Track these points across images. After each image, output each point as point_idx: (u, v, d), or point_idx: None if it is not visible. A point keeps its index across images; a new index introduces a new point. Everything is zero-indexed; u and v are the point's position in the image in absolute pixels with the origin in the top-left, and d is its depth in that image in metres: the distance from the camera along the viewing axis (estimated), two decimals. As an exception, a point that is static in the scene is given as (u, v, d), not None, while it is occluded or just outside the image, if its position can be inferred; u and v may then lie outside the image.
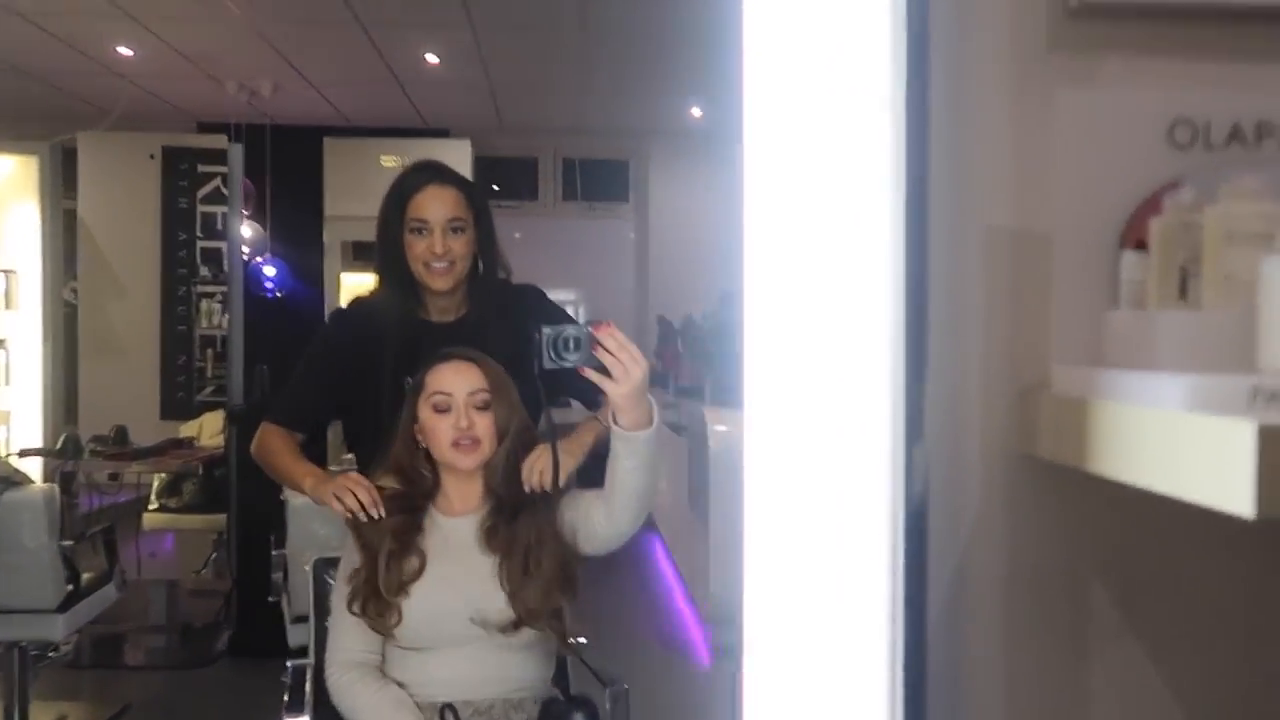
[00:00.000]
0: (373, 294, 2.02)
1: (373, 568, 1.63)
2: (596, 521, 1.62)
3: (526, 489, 1.65)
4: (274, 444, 1.92)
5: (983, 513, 0.70)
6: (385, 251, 1.92)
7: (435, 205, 1.87)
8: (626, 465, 1.52)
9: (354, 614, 1.63)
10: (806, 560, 0.63)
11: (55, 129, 5.28)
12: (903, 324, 0.60)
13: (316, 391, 1.99)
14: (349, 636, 1.66)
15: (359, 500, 1.67)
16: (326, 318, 2.18)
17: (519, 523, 1.64)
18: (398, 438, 1.72)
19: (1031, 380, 0.70)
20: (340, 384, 1.96)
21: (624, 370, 1.42)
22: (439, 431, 1.66)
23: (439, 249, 1.86)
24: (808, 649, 0.63)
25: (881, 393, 0.60)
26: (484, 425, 1.65)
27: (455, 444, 1.65)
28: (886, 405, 0.60)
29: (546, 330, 1.42)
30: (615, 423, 1.48)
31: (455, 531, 1.67)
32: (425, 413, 1.67)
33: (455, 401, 1.65)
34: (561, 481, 1.65)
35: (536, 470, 1.65)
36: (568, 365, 1.42)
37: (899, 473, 0.61)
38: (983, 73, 0.67)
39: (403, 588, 1.61)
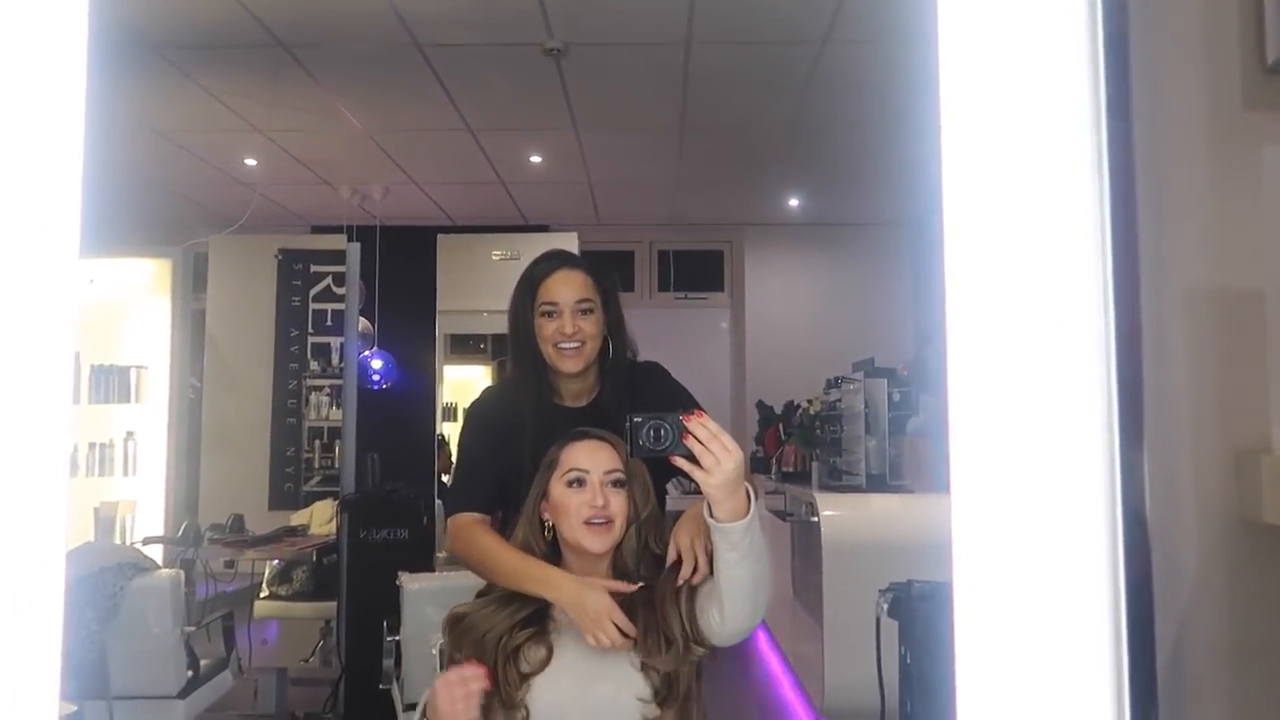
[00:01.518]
0: (503, 382, 2.05)
1: (492, 662, 1.57)
2: (712, 619, 1.56)
3: (680, 583, 1.61)
4: (482, 540, 1.83)
5: (1201, 581, 0.67)
6: (517, 338, 1.96)
7: (564, 288, 1.92)
8: (728, 558, 1.46)
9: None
10: (1023, 640, 0.60)
11: (181, 235, 5.64)
12: (1116, 391, 0.59)
13: (487, 469, 1.96)
14: None
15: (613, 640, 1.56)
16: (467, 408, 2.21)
17: (651, 607, 1.60)
18: (523, 518, 1.71)
19: (1248, 443, 0.67)
20: (490, 471, 1.95)
21: (715, 460, 1.38)
22: (571, 509, 1.63)
23: (569, 329, 1.89)
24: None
25: (1099, 464, 0.58)
26: (618, 505, 1.63)
27: (588, 522, 1.62)
28: (1104, 476, 0.58)
29: (636, 418, 1.41)
30: (710, 515, 1.43)
31: None
32: (558, 490, 1.66)
33: (591, 479, 1.64)
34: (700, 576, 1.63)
35: (688, 571, 1.61)
36: (657, 454, 1.40)
37: (1118, 544, 0.59)
38: (1177, 134, 0.67)
39: (525, 680, 1.57)
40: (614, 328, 1.98)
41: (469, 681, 1.48)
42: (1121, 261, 0.61)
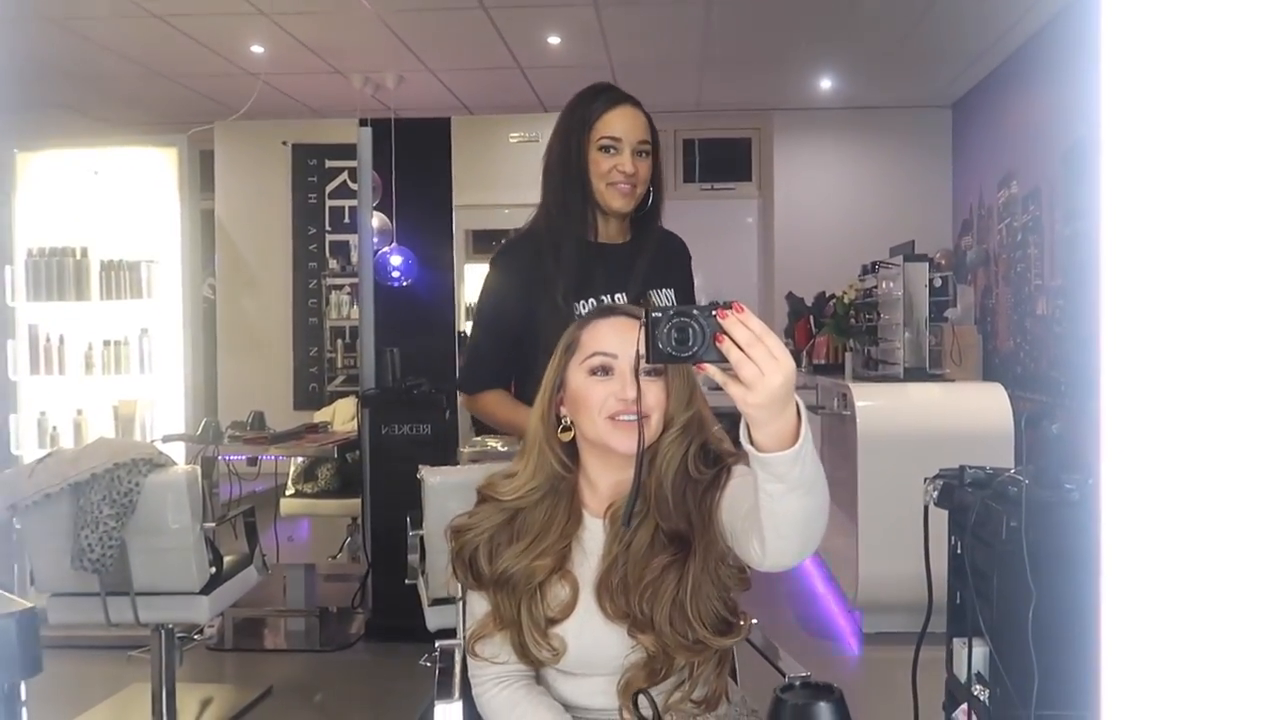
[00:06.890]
0: (532, 224, 1.94)
1: (515, 610, 1.37)
2: (753, 552, 1.25)
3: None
4: (491, 405, 1.94)
5: None
6: (564, 168, 1.87)
7: (629, 124, 1.86)
8: (771, 491, 1.11)
9: (495, 662, 1.41)
10: (1182, 544, 0.45)
11: (189, 127, 5.44)
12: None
13: (498, 345, 1.96)
14: (498, 649, 1.42)
15: None
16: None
17: (676, 538, 1.33)
18: (536, 409, 1.43)
19: None
20: (514, 327, 1.91)
21: (757, 372, 1.00)
22: (594, 402, 1.33)
23: (629, 168, 1.84)
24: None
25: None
26: (655, 396, 1.32)
27: (614, 418, 1.32)
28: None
29: (655, 314, 1.05)
30: (749, 440, 1.07)
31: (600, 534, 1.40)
32: (578, 378, 1.36)
33: (619, 365, 1.33)
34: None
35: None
36: (682, 361, 1.05)
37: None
38: None
39: (552, 624, 1.37)
40: (659, 179, 1.95)
41: None
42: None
